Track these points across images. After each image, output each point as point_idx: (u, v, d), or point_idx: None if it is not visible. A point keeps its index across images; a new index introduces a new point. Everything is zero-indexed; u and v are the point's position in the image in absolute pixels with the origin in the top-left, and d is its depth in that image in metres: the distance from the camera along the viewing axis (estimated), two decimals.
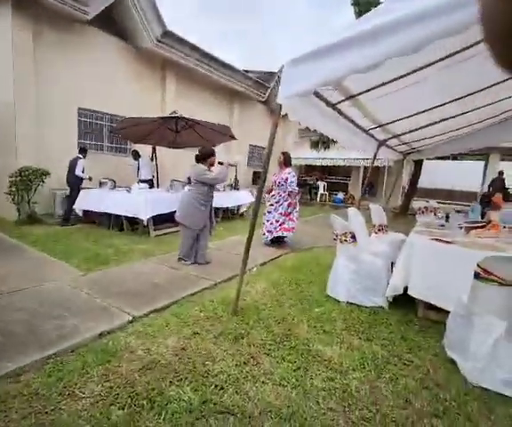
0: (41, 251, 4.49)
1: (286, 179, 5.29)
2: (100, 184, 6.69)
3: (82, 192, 6.40)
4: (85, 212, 6.47)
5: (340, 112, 3.30)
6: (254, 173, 13.66)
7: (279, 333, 2.48)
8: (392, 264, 3.72)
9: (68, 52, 7.19)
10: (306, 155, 13.34)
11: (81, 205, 6.27)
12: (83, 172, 6.53)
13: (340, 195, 13.50)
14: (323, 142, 10.18)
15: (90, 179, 6.67)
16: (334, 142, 10.79)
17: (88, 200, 6.19)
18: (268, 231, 5.40)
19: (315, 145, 10.34)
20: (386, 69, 1.99)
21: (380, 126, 4.25)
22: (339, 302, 3.07)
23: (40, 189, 6.62)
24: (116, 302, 2.98)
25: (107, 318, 2.67)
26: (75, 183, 6.48)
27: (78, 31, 7.28)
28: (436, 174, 13.66)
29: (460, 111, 4.14)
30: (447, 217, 4.15)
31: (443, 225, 3.69)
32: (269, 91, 13.18)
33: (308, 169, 14.72)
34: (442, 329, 2.45)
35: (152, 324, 2.60)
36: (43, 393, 1.75)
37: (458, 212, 5.61)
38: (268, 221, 5.44)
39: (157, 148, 8.40)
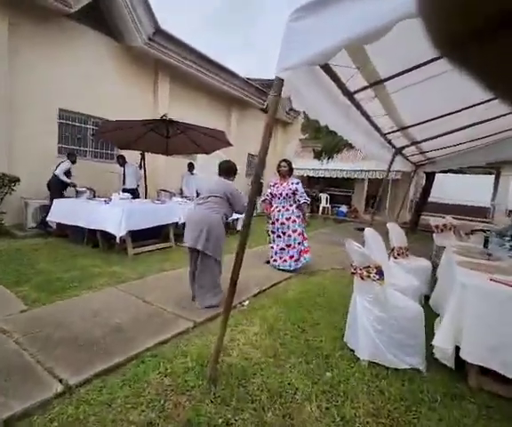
0: None
1: (296, 190, 4.53)
2: (77, 193, 5.92)
3: (55, 201, 5.62)
4: (59, 224, 5.68)
5: (358, 106, 2.54)
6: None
7: (274, 423, 1.65)
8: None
9: (49, 47, 6.51)
10: (307, 165, 12.61)
11: (54, 215, 5.48)
12: (67, 176, 5.84)
13: (344, 208, 12.73)
14: (326, 152, 9.43)
15: (74, 186, 6.00)
16: (338, 153, 10.10)
17: (61, 211, 5.40)
18: (285, 260, 4.62)
19: (318, 155, 9.60)
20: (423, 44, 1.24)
21: (401, 129, 3.49)
22: (357, 358, 2.25)
23: (8, 197, 5.85)
24: (51, 358, 2.16)
25: (26, 388, 1.85)
26: (55, 188, 5.77)
27: (61, 26, 6.61)
28: (444, 189, 12.92)
29: (486, 118, 3.39)
30: (486, 242, 3.36)
31: (490, 254, 2.90)
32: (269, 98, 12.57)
33: (310, 181, 13.99)
34: (509, 410, 1.65)
35: (88, 400, 1.78)
36: None
37: (485, 231, 4.82)
38: (287, 246, 4.58)
39: (148, 155, 7.66)
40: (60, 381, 1.93)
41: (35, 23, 6.24)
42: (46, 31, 6.44)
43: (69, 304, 3.06)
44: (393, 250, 3.82)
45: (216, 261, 3.12)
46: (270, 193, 4.71)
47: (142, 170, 7.50)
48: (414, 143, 4.28)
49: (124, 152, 7.38)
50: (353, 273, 2.35)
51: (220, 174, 3.42)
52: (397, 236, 3.98)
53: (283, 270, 4.54)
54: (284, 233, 4.58)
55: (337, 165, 11.75)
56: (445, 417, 1.74)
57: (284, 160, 4.80)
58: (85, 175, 7.09)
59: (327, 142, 8.62)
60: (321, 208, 12.67)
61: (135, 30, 7.42)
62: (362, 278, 2.23)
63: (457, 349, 2.00)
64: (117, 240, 4.66)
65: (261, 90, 12.09)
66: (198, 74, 9.26)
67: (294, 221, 4.56)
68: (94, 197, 5.92)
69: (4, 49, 5.81)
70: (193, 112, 9.60)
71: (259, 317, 2.98)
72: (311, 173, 12.73)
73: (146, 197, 7.33)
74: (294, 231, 4.57)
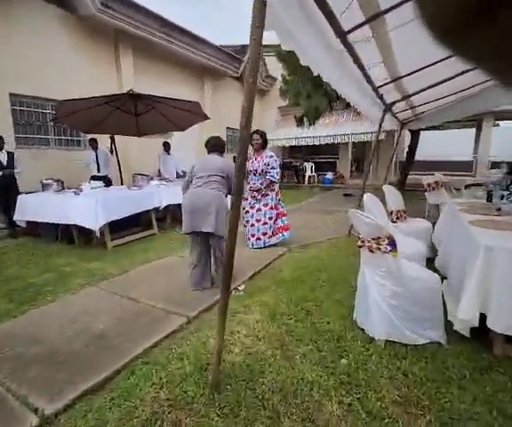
0: None
1: (267, 164, 4.20)
2: (43, 187, 5.35)
3: (19, 198, 5.06)
4: (29, 222, 5.15)
5: (351, 50, 2.20)
6: (234, 158, 12.41)
7: None
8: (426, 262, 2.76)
9: None
10: (289, 134, 12.21)
11: (20, 213, 4.94)
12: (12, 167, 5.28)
13: (329, 175, 12.53)
14: (308, 118, 9.03)
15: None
16: (320, 117, 9.73)
17: (28, 207, 4.86)
18: (259, 238, 4.32)
19: (299, 122, 9.18)
20: None
21: (395, 80, 3.18)
22: (372, 339, 2.06)
23: None
24: (24, 383, 1.83)
25: None
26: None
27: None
28: (426, 146, 12.92)
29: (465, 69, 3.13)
30: (490, 196, 3.19)
31: (499, 209, 2.72)
32: (243, 65, 11.86)
33: (293, 150, 13.63)
34: None
35: None
36: None
37: (478, 185, 4.70)
38: (257, 221, 4.30)
39: (118, 137, 7.02)
40: (36, 411, 1.62)
41: None
42: None
43: (44, 313, 2.70)
44: (391, 213, 3.62)
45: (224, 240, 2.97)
46: (247, 168, 4.37)
47: (114, 155, 6.90)
48: (405, 97, 4.01)
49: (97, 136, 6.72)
50: (360, 246, 2.10)
51: (211, 151, 3.18)
52: (394, 198, 3.78)
53: (257, 249, 4.32)
54: (252, 208, 4.31)
55: (320, 131, 11.42)
56: (479, 395, 1.57)
57: (256, 132, 4.30)
58: (51, 166, 6.49)
59: (308, 106, 8.20)
60: (307, 178, 12.43)
61: None
62: (371, 251, 1.99)
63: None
64: (97, 234, 4.24)
65: (235, 57, 11.37)
66: (163, 42, 8.48)
67: (267, 195, 4.28)
68: (63, 188, 5.38)
69: None
70: (162, 85, 8.88)
71: (258, 302, 2.74)
72: (293, 143, 12.35)
73: (122, 184, 6.81)
74: (266, 205, 4.28)
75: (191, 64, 10.04)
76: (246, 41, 1.33)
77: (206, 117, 6.66)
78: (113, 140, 6.87)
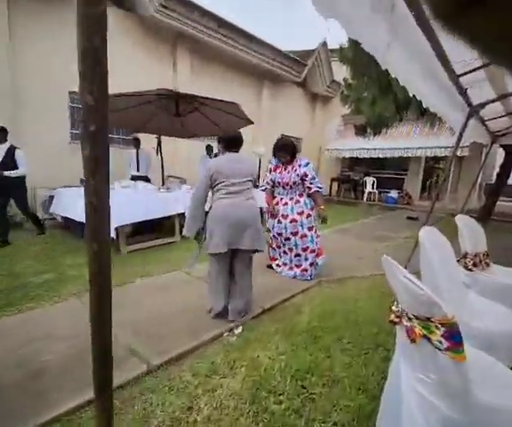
0: None
1: (304, 175, 3.38)
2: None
3: (57, 191, 5.17)
4: (64, 216, 5.22)
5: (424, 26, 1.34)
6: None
7: None
8: None
9: (53, 25, 5.99)
10: (350, 145, 11.01)
11: (54, 207, 5.03)
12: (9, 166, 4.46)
13: (394, 193, 10.94)
14: (372, 126, 7.87)
15: None
16: (386, 127, 8.45)
17: (61, 202, 4.91)
18: (291, 267, 3.57)
19: (361, 131, 8.05)
20: None
21: (489, 64, 2.13)
22: None
23: None
24: None
25: None
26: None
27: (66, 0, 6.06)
28: None
29: None
30: None
31: None
32: (307, 69, 11.13)
33: (354, 162, 12.35)
34: None
35: None
36: None
37: None
38: (305, 249, 3.47)
39: (169, 139, 6.91)
40: None
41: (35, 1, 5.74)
42: (49, 8, 5.92)
43: (6, 325, 2.37)
44: (465, 257, 2.53)
45: None
46: (272, 180, 3.57)
47: (158, 156, 6.79)
48: (503, 96, 2.83)
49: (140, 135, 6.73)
50: (394, 322, 1.23)
51: (228, 148, 2.62)
52: (472, 235, 2.66)
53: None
54: (295, 233, 3.44)
55: (386, 143, 10.03)
56: None
57: (283, 148, 3.43)
58: None
59: (371, 114, 7.08)
60: (366, 194, 11.05)
61: None
62: (412, 340, 1.11)
63: None
64: (113, 235, 3.97)
65: (299, 61, 10.71)
66: (222, 44, 8.26)
67: (309, 215, 3.44)
68: None
69: (5, 35, 5.40)
70: (217, 88, 8.66)
71: (247, 360, 1.99)
72: (354, 154, 11.13)
73: (163, 185, 6.66)
74: (310, 229, 3.45)
75: (249, 67, 9.69)
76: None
77: (250, 122, 6.15)
78: (159, 141, 6.80)
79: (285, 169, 3.45)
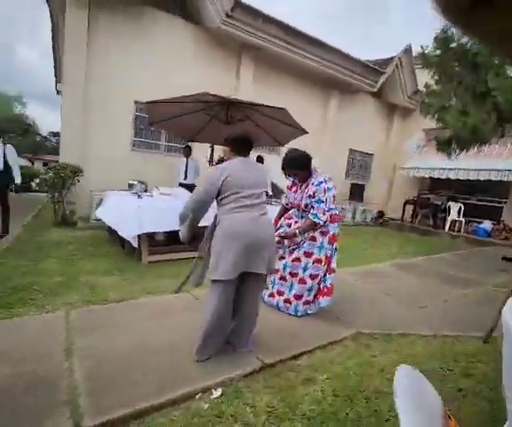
0: None
1: (313, 195, 2.69)
2: (129, 187, 5.52)
3: (105, 195, 5.36)
4: None
5: None
6: (352, 185, 10.60)
7: None
8: None
9: (124, 37, 6.39)
10: (432, 164, 9.35)
11: (99, 210, 5.20)
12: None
13: (487, 224, 8.84)
14: (461, 141, 6.41)
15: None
16: (483, 142, 6.82)
17: (105, 205, 5.04)
18: (288, 300, 2.81)
19: (444, 146, 6.62)
20: None
21: None
22: None
23: (79, 189, 6.00)
24: None
25: None
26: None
27: (135, 14, 6.42)
28: None
29: None
30: None
31: None
32: (384, 78, 9.98)
33: (436, 184, 10.50)
34: None
35: None
36: None
37: None
38: (291, 275, 2.80)
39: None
40: None
41: (111, 15, 6.20)
42: (123, 23, 6.34)
43: None
44: None
45: None
46: (287, 198, 2.97)
47: (212, 165, 6.65)
48: None
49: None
50: None
51: (239, 152, 2.22)
52: None
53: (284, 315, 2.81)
54: (290, 253, 2.80)
55: (477, 163, 8.20)
56: None
57: (291, 163, 2.75)
58: (158, 170, 6.78)
59: (460, 125, 5.71)
60: (449, 222, 9.20)
61: (212, 7, 6.64)
62: None
63: None
64: (134, 244, 3.83)
65: (373, 68, 9.66)
66: (287, 53, 7.86)
67: (313, 238, 2.72)
68: (146, 190, 5.40)
69: (84, 50, 5.94)
70: (280, 98, 8.25)
71: None
72: (437, 174, 9.43)
73: None
74: (309, 255, 2.71)
75: (316, 76, 9.08)
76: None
77: (304, 131, 5.56)
78: (212, 150, 6.68)
79: (300, 188, 2.80)
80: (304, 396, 1.82)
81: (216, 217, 2.15)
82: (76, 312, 2.57)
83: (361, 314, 3.00)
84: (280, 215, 3.06)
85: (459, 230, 9.08)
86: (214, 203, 2.15)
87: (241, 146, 2.22)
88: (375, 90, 10.16)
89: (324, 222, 2.67)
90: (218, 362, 2.05)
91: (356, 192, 10.49)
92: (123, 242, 4.61)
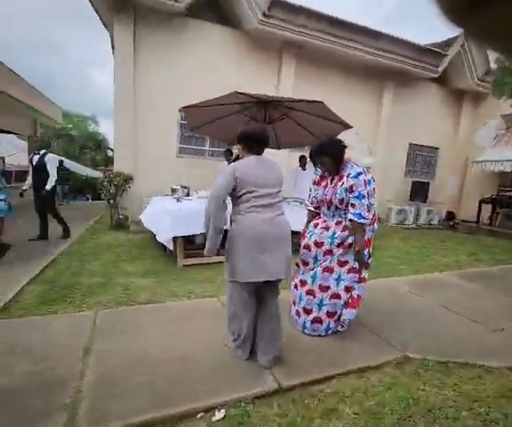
0: None
1: (351, 189, 2.25)
2: (172, 191, 5.68)
3: (151, 200, 5.60)
4: None
5: None
6: (414, 183, 9.52)
7: None
8: None
9: (167, 48, 6.66)
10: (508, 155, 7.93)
11: (143, 214, 5.44)
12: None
13: None
14: None
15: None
16: None
17: (145, 209, 5.26)
18: (319, 319, 2.39)
19: None
20: None
21: None
22: None
23: (130, 195, 6.39)
24: None
25: None
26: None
27: (177, 26, 6.64)
28: None
29: None
30: None
31: None
32: (447, 60, 8.83)
33: None
34: None
35: None
36: None
37: None
38: (321, 289, 2.36)
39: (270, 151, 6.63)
40: None
41: (153, 28, 6.50)
42: (165, 35, 6.60)
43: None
44: None
45: None
46: (315, 197, 2.53)
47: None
48: None
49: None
50: None
51: (252, 149, 2.05)
52: None
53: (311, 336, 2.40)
54: (321, 263, 2.37)
55: None
56: None
57: (320, 151, 2.37)
58: (202, 175, 6.89)
59: None
60: None
61: (249, 9, 6.58)
62: None
63: None
64: (169, 247, 3.87)
65: (434, 51, 8.61)
66: (332, 45, 7.42)
67: (349, 246, 2.30)
68: (188, 195, 5.50)
69: (131, 65, 6.35)
70: (328, 96, 7.82)
71: None
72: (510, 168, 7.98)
73: None
74: (343, 264, 2.31)
75: (366, 67, 8.42)
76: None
77: (348, 126, 5.13)
78: None
79: (332, 181, 2.40)
80: None
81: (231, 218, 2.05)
82: (103, 313, 2.62)
83: (411, 333, 2.53)
84: (313, 218, 2.61)
85: None
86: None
87: (252, 143, 2.05)
88: (437, 75, 9.03)
89: (367, 222, 2.24)
90: (230, 374, 1.86)
91: (419, 191, 9.36)
92: (164, 245, 4.74)
